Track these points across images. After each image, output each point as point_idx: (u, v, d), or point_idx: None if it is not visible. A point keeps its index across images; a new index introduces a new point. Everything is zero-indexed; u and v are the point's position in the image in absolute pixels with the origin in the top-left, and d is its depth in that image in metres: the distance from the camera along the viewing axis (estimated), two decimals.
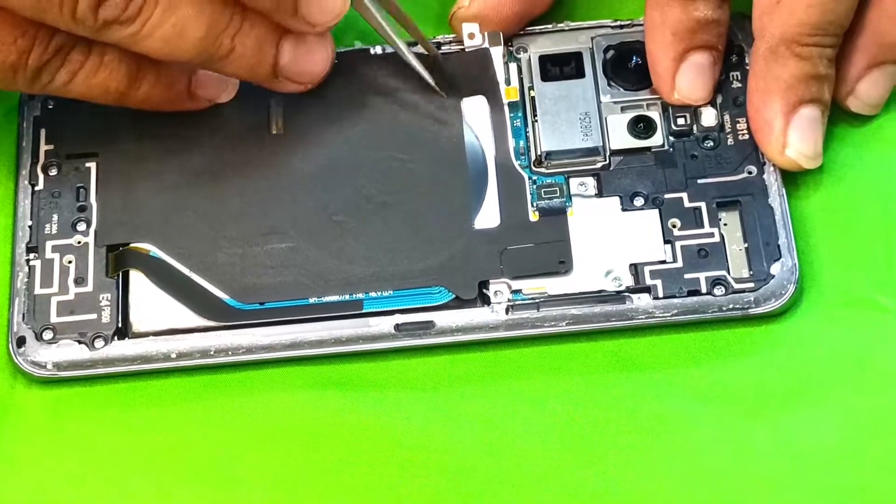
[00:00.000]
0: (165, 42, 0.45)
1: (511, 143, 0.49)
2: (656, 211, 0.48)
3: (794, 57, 0.47)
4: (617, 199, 0.48)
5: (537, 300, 0.47)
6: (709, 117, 0.49)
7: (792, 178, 0.49)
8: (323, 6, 0.46)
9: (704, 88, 0.49)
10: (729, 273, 0.47)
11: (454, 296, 0.47)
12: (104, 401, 0.48)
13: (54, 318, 0.48)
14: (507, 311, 0.47)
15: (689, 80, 0.49)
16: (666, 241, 0.48)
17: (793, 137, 0.48)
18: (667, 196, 0.48)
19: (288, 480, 0.46)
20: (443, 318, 0.47)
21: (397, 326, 0.47)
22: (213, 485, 0.46)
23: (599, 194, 0.49)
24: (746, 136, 0.49)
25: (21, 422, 0.47)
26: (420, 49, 0.50)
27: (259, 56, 0.47)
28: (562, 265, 0.47)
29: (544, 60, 0.51)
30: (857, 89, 0.49)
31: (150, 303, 0.48)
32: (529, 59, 0.51)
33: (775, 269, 0.47)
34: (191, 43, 0.45)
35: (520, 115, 0.50)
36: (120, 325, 0.48)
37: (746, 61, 0.50)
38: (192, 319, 0.48)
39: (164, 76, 0.48)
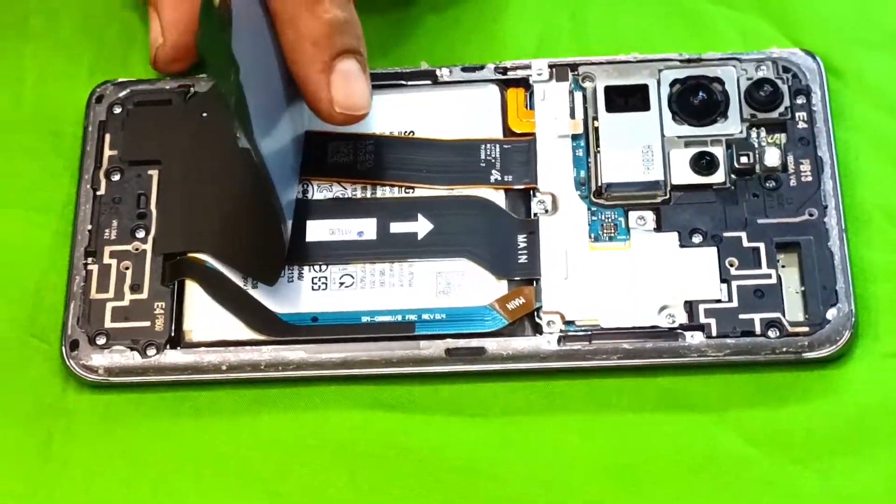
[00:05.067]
0: None
1: (572, 173, 0.49)
2: (714, 249, 0.48)
3: (310, 15, 0.46)
4: (675, 234, 0.48)
5: (590, 332, 0.47)
6: (772, 157, 0.49)
7: (854, 223, 0.48)
8: None
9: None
10: (784, 315, 0.47)
11: (507, 322, 0.47)
12: (154, 408, 0.48)
13: (108, 324, 0.48)
14: (559, 341, 0.47)
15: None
16: (722, 280, 0.47)
17: (338, 94, 0.46)
18: (725, 234, 0.48)
19: (331, 500, 0.46)
20: (494, 345, 0.47)
21: (448, 351, 0.47)
22: (257, 499, 0.46)
23: (658, 229, 0.48)
24: (809, 178, 0.48)
25: (72, 424, 0.48)
26: None
27: None
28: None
29: (610, 91, 0.50)
30: None
31: (203, 313, 0.48)
32: (595, 90, 0.50)
33: (831, 314, 0.46)
34: None
35: (582, 144, 0.50)
36: (173, 333, 0.48)
37: (813, 101, 0.50)
38: (245, 332, 0.48)
39: None
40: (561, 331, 0.47)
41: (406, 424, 0.47)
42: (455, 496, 0.46)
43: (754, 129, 0.49)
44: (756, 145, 0.49)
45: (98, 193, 0.50)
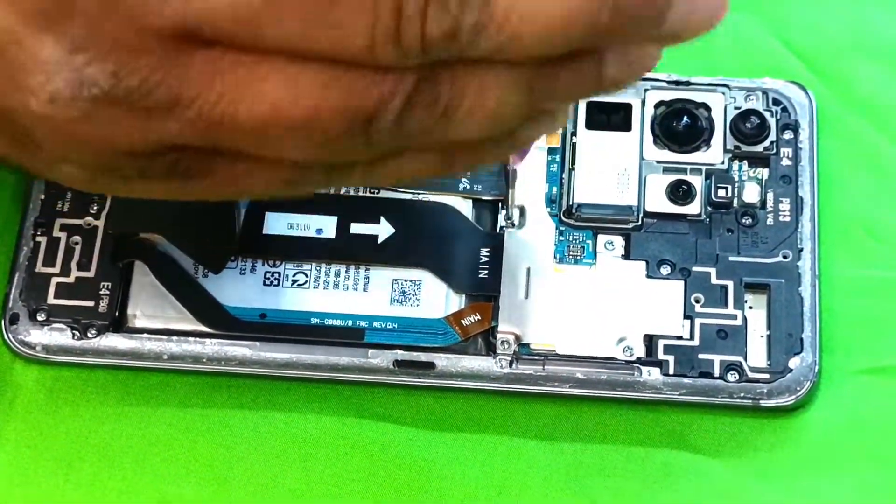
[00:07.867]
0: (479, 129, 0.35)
1: (544, 188, 0.48)
2: (681, 283, 0.46)
3: None
4: (643, 263, 0.47)
5: (544, 357, 0.45)
6: (751, 193, 0.47)
7: (827, 269, 0.47)
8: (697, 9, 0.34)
9: None
10: (745, 360, 0.45)
11: (460, 339, 0.46)
12: (103, 386, 0.46)
13: (51, 300, 0.47)
14: (511, 363, 0.45)
15: None
16: (686, 317, 0.46)
17: None
18: (694, 268, 0.46)
19: (283, 489, 0.45)
20: (444, 362, 0.45)
21: (396, 363, 0.45)
22: (204, 484, 0.45)
23: (626, 256, 0.47)
24: (787, 218, 0.47)
25: (17, 398, 0.46)
26: None
27: (584, 79, 0.35)
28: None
29: (592, 107, 0.48)
30: None
31: (149, 298, 0.47)
32: (577, 103, 0.49)
33: (794, 363, 0.45)
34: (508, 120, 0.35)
35: (557, 159, 0.48)
36: (116, 316, 0.46)
37: (800, 139, 0.48)
38: (190, 322, 0.46)
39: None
40: (514, 353, 0.46)
41: (357, 423, 0.46)
42: (408, 493, 0.45)
43: (736, 161, 0.48)
44: (736, 179, 0.47)
45: None
